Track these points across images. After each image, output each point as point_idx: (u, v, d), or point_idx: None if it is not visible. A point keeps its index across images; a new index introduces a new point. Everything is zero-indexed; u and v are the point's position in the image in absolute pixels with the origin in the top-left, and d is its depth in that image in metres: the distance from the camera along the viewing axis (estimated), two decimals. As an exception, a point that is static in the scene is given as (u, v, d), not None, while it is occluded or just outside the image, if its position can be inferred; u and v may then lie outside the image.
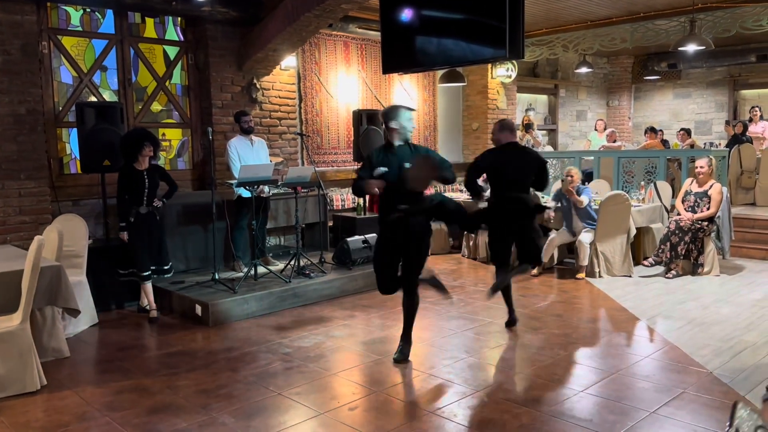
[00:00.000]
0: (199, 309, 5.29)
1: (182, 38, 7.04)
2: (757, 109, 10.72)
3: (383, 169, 4.08)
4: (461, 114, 10.58)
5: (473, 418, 3.42)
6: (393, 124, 4.13)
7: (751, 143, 9.82)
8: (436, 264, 7.70)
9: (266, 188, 6.06)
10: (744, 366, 4.08)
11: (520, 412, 3.50)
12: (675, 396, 3.63)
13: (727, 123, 11.29)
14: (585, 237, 6.60)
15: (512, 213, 4.77)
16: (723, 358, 4.25)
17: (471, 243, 8.05)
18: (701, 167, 6.64)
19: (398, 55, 5.61)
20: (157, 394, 3.83)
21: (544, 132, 12.33)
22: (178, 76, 7.02)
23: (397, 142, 4.16)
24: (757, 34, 9.73)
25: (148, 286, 5.49)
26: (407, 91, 9.59)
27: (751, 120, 10.68)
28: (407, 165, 4.04)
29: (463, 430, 3.30)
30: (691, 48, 7.53)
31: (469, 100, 10.51)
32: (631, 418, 3.37)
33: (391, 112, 4.16)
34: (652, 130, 10.58)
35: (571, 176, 6.52)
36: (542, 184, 4.93)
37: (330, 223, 7.96)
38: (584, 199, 6.50)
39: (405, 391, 3.85)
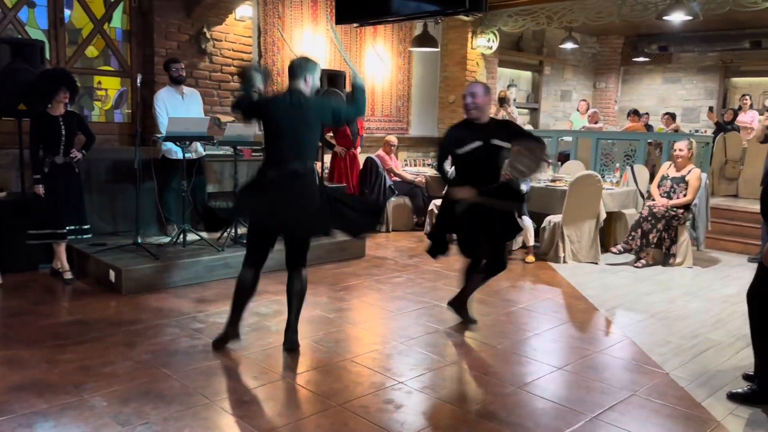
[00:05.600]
0: (112, 275, 4.75)
1: (125, -22, 6.41)
2: (747, 97, 10.23)
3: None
4: (438, 85, 10.00)
5: (384, 415, 2.93)
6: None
7: (738, 132, 9.35)
8: (397, 241, 7.22)
9: (199, 147, 5.49)
10: (705, 368, 3.62)
11: (443, 410, 3.02)
12: (622, 399, 3.17)
13: (711, 110, 10.71)
14: (526, 220, 6.21)
15: None
16: (683, 357, 3.79)
17: (435, 220, 7.54)
18: (680, 150, 6.15)
19: (353, 4, 5.05)
20: (30, 368, 3.31)
21: (525, 111, 11.78)
22: (118, 20, 6.39)
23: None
24: (752, 19, 9.23)
25: (62, 246, 4.95)
26: (380, 56, 8.98)
27: (740, 108, 10.20)
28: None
29: (370, 427, 2.81)
30: (678, 18, 6.96)
31: (446, 71, 9.92)
32: (567, 423, 2.90)
33: None
34: (635, 113, 10.07)
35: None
36: None
37: (284, 192, 7.40)
38: (523, 187, 6.12)
39: (317, 379, 3.35)
